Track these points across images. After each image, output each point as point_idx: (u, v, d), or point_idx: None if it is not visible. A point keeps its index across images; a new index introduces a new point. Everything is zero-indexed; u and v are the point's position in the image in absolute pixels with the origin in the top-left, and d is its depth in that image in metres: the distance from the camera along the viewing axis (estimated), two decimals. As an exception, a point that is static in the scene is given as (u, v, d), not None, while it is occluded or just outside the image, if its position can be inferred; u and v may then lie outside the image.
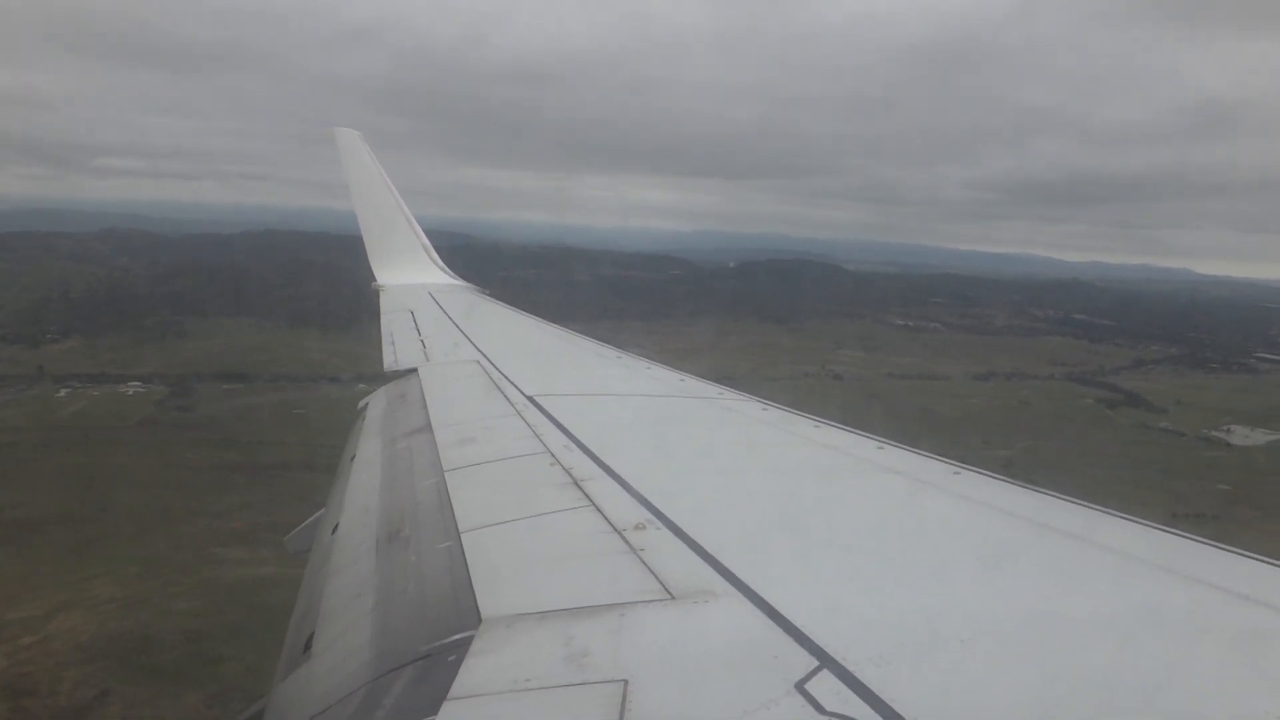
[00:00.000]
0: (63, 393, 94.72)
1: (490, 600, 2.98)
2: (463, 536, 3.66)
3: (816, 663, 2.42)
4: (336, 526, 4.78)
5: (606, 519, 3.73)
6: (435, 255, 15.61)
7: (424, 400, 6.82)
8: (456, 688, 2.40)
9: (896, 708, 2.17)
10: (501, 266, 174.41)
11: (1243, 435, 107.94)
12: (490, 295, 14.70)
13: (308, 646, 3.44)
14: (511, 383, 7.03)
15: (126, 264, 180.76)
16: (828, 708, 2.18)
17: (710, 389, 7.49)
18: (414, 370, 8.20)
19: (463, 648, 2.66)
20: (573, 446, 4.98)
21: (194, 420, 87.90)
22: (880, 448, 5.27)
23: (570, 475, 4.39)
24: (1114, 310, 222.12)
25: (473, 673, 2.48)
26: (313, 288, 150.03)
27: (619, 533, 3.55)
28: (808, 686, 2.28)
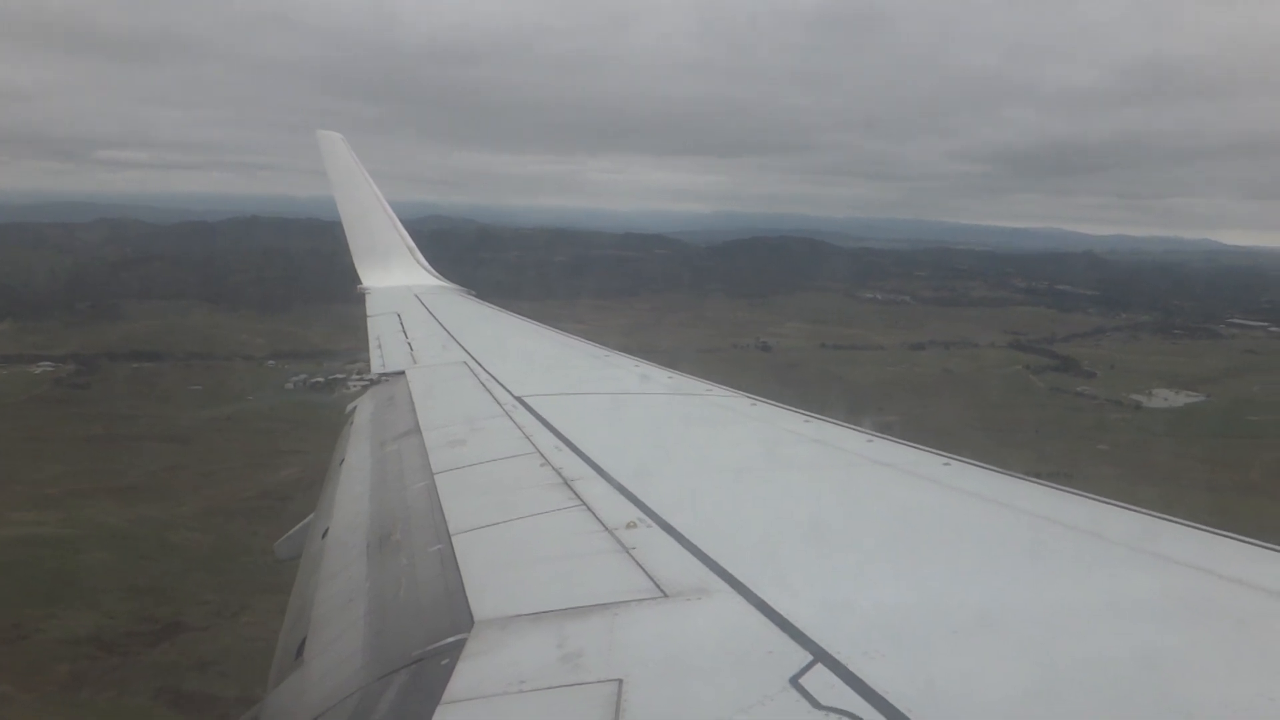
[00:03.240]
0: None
1: (482, 602, 2.99)
2: (454, 539, 3.68)
3: (811, 658, 2.42)
4: (326, 531, 4.80)
5: (598, 518, 3.74)
6: (421, 256, 15.77)
7: (412, 403, 6.84)
8: (450, 691, 2.39)
9: (891, 700, 2.17)
10: (486, 249, 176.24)
11: (1163, 398, 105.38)
12: (476, 296, 14.77)
13: (300, 652, 3.44)
14: (500, 384, 7.08)
15: (113, 253, 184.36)
16: (823, 702, 2.18)
17: (698, 385, 7.52)
18: (402, 373, 8.26)
19: (456, 651, 2.66)
20: (562, 446, 5.00)
21: (82, 396, 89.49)
22: (870, 441, 5.29)
23: (560, 475, 4.41)
24: (1103, 281, 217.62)
25: (466, 676, 2.48)
26: (268, 272, 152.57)
27: (610, 532, 3.55)
28: (803, 682, 2.28)
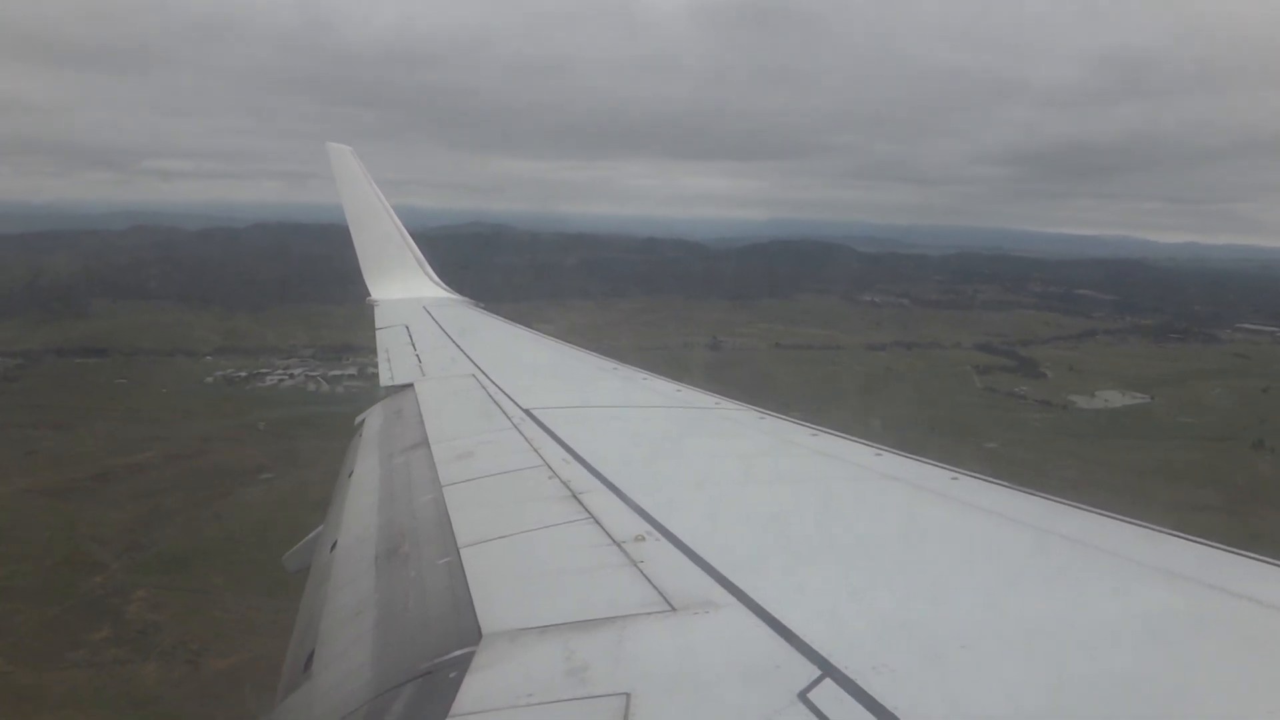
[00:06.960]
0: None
1: (490, 615, 3.01)
2: (462, 551, 3.72)
3: (819, 672, 2.43)
4: (335, 544, 4.83)
5: (606, 531, 3.76)
6: (429, 269, 15.90)
7: (421, 415, 6.92)
8: (458, 704, 2.42)
9: (900, 716, 2.19)
10: (503, 253, 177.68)
11: (1103, 400, 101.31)
12: (485, 308, 14.94)
13: (308, 665, 3.47)
14: (508, 396, 7.13)
15: (124, 257, 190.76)
16: (831, 717, 2.20)
17: (707, 399, 7.52)
18: (410, 385, 8.38)
19: (464, 664, 2.68)
20: (570, 459, 5.05)
21: (8, 388, 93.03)
22: (878, 454, 5.33)
23: (569, 488, 4.46)
24: (1129, 286, 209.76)
25: (474, 689, 2.50)
26: (261, 274, 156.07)
27: (618, 545, 3.59)
28: (810, 696, 2.30)
